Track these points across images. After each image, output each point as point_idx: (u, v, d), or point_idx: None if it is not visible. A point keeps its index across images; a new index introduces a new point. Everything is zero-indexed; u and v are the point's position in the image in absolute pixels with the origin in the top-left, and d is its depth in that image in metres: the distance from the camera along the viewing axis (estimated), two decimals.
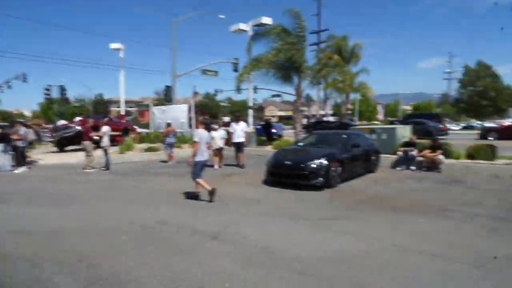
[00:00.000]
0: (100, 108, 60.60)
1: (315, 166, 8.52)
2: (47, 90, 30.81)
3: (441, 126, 24.85)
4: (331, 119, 39.08)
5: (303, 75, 19.28)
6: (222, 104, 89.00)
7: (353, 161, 9.71)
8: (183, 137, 18.80)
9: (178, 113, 19.92)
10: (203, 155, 7.50)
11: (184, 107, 20.63)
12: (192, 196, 8.05)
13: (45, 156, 15.68)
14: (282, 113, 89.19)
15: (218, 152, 12.56)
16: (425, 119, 27.38)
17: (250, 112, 23.92)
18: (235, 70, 30.33)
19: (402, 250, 4.67)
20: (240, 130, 12.53)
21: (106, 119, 15.84)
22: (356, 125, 30.26)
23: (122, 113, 24.71)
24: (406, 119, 30.22)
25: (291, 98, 20.30)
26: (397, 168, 11.53)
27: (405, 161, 11.50)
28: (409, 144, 11.86)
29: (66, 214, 6.88)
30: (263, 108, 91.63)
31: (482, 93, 42.97)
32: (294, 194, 8.20)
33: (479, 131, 26.38)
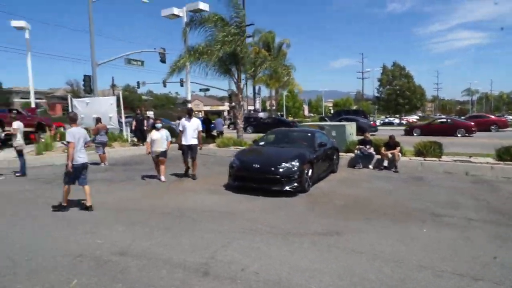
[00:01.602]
0: (0, 99, 52.20)
1: (287, 169, 7.62)
2: None
3: (371, 122, 26.03)
4: (261, 114, 38.88)
5: (244, 69, 18.39)
6: (143, 97, 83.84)
7: (321, 162, 9.05)
8: (111, 135, 16.51)
9: (105, 107, 17.39)
10: (80, 157, 6.51)
11: (112, 99, 18.14)
12: (151, 209, 6.60)
13: None
14: (208, 108, 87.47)
15: (163, 158, 9.30)
16: (352, 115, 28.53)
17: (189, 106, 22.23)
18: (162, 60, 28.19)
19: (438, 273, 3.99)
20: (193, 130, 9.49)
21: (14, 113, 12.93)
22: (294, 122, 30.30)
23: (33, 105, 21.04)
24: (335, 116, 31.25)
25: (216, 93, 19.28)
26: (356, 167, 11.24)
27: (362, 160, 11.27)
28: (364, 141, 11.66)
29: None
30: (188, 102, 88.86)
31: (399, 92, 46.79)
32: (267, 201, 7.20)
33: (404, 127, 28.26)
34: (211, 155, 14.57)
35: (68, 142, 6.37)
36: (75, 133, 6.44)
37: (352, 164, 11.48)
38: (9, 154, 11.46)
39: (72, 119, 6.70)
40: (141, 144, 16.36)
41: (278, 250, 4.67)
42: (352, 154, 11.89)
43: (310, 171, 8.24)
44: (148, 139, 9.36)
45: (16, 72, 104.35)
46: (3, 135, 11.43)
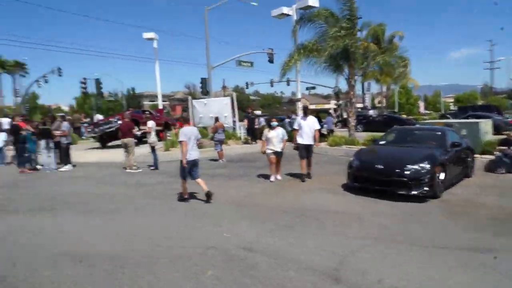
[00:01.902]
0: (133, 103, 60.60)
1: (416, 171, 6.84)
2: (83, 83, 30.26)
3: (509, 119, 22.22)
4: (371, 112, 36.70)
5: (356, 65, 17.46)
6: (251, 97, 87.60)
7: (453, 164, 7.93)
8: (227, 133, 17.45)
9: (221, 107, 18.55)
10: (191, 154, 6.91)
11: (227, 100, 19.23)
12: (271, 206, 6.63)
13: (86, 152, 14.76)
14: (313, 106, 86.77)
15: (277, 158, 9.06)
16: (481, 111, 24.77)
17: (299, 105, 22.23)
18: (270, 60, 28.77)
19: None
20: (309, 128, 9.00)
21: (147, 113, 14.69)
22: (410, 119, 27.76)
23: (160, 107, 23.68)
24: (461, 113, 27.61)
25: (321, 91, 18.53)
26: (497, 172, 9.58)
27: (506, 163, 9.54)
28: (508, 142, 9.88)
29: (118, 229, 5.63)
30: (297, 101, 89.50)
31: None
32: (394, 206, 6.55)
33: None
34: (323, 154, 14.22)
35: (180, 141, 6.86)
36: (187, 132, 6.88)
37: (491, 168, 9.82)
38: (144, 150, 13.00)
39: (185, 120, 7.39)
40: (253, 142, 16.90)
41: (417, 264, 4.11)
42: (488, 156, 10.22)
43: (443, 174, 7.26)
44: (264, 137, 9.45)
45: (146, 78, 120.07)
46: (139, 133, 12.99)
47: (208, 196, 6.98)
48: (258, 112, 46.48)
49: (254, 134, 17.39)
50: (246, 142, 17.36)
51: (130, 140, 11.13)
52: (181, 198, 7.28)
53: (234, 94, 20.00)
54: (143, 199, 7.60)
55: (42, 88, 45.91)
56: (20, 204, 7.37)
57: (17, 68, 57.84)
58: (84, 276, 3.98)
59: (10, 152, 12.89)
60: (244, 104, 77.77)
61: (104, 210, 6.75)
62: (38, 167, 11.58)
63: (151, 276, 3.94)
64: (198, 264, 4.21)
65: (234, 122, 19.24)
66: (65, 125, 11.62)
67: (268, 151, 9.05)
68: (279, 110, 65.06)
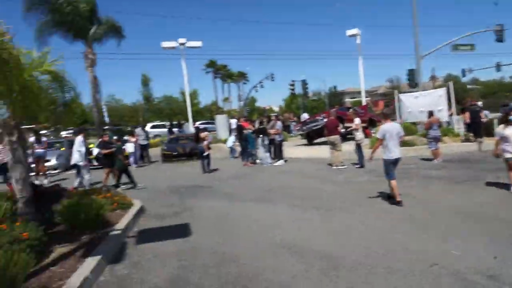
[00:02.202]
0: (335, 100, 62.12)
1: None
2: (291, 85, 33.09)
3: None
4: None
5: None
6: (468, 86, 74.57)
7: None
8: (442, 129, 15.18)
9: (433, 99, 16.33)
10: (392, 152, 6.53)
11: (441, 91, 16.77)
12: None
13: (295, 149, 15.89)
14: None
15: None
16: None
17: None
18: (499, 39, 23.46)
19: None
20: None
21: (351, 110, 14.47)
22: None
23: (364, 103, 23.09)
24: None
25: None
26: None
27: None
28: None
29: (330, 226, 5.55)
30: None
31: None
32: None
33: None
34: None
35: (377, 139, 6.61)
36: (388, 129, 6.52)
37: None
38: (349, 147, 12.84)
39: (385, 115, 6.87)
40: (477, 140, 14.07)
41: None
42: None
43: None
44: (497, 135, 7.50)
45: (347, 75, 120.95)
46: (343, 130, 12.91)
47: (397, 204, 6.50)
48: (479, 103, 38.74)
49: (477, 130, 14.44)
50: (467, 140, 14.64)
51: (336, 138, 11.17)
52: (393, 201, 6.65)
53: (451, 84, 17.25)
54: (352, 198, 7.39)
55: (258, 92, 52.69)
56: (245, 194, 8.46)
57: (240, 77, 69.59)
58: (300, 271, 4.03)
59: (237, 148, 15.27)
60: (459, 95, 66.94)
61: (316, 205, 6.89)
62: (258, 161, 13.21)
63: (368, 286, 3.60)
64: (423, 283, 3.58)
65: (450, 116, 16.61)
66: (279, 124, 12.81)
67: (508, 155, 7.10)
68: (508, 99, 52.63)
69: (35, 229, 4.51)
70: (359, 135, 10.91)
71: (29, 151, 11.21)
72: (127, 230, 5.89)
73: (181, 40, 23.95)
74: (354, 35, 26.02)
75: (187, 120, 29.97)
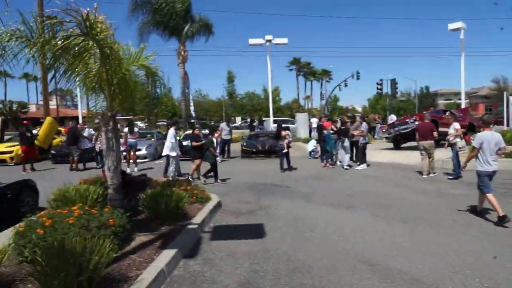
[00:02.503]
0: (426, 102, 57.15)
1: None
2: (379, 85, 31.14)
3: None
4: None
5: None
6: None
7: None
8: None
9: None
10: (489, 164, 5.86)
11: None
12: None
13: (379, 153, 14.84)
14: None
15: None
16: None
17: None
18: None
19: None
20: None
21: (447, 114, 12.93)
22: None
23: (463, 106, 20.66)
24: None
25: None
26: None
27: None
28: None
29: (417, 242, 4.93)
30: None
31: None
32: None
33: None
34: None
35: (473, 147, 6.11)
36: (484, 138, 5.91)
37: None
38: (441, 154, 11.51)
39: (485, 122, 6.20)
40: None
41: None
42: None
43: None
44: None
45: (442, 74, 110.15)
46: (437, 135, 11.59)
47: (501, 220, 5.64)
48: None
49: None
50: None
51: (430, 143, 10.07)
52: (498, 222, 5.66)
53: None
54: (446, 212, 6.53)
55: (341, 91, 51.11)
56: (323, 196, 8.06)
57: (324, 75, 68.18)
58: None
59: (317, 148, 14.79)
60: None
61: (402, 217, 6.23)
62: (338, 163, 12.60)
63: None
64: None
65: None
66: (364, 125, 12.01)
67: None
68: None
69: (120, 216, 4.75)
70: (461, 142, 9.63)
71: (122, 141, 12.20)
72: (203, 224, 5.96)
73: (268, 37, 24.13)
74: (457, 29, 23.31)
75: (268, 117, 30.24)
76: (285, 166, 12.04)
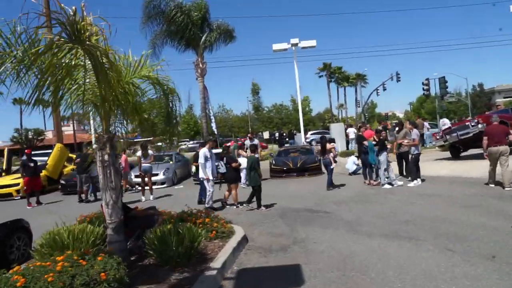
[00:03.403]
0: (480, 101, 54.35)
1: None
2: (425, 85, 29.47)
3: None
4: None
5: None
6: None
7: None
8: None
9: None
10: None
11: None
12: None
13: (434, 164, 13.58)
14: None
15: None
16: None
17: None
18: None
19: None
20: None
21: None
22: None
23: None
24: None
25: None
26: None
27: None
28: None
29: None
30: None
31: None
32: None
33: None
34: None
35: None
36: None
37: None
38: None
39: None
40: None
41: None
42: None
43: None
44: None
45: (498, 69, 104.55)
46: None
47: None
48: None
49: None
50: None
51: (506, 148, 8.95)
52: None
53: None
54: None
55: (379, 97, 49.51)
56: (373, 224, 7.07)
57: (358, 80, 66.72)
58: None
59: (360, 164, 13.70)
60: None
61: (487, 254, 5.06)
62: (381, 181, 11.47)
63: None
64: None
65: None
66: (415, 132, 10.88)
67: None
68: None
69: (117, 266, 4.04)
70: None
71: (122, 163, 11.74)
72: (224, 268, 5.15)
73: (293, 41, 23.46)
74: None
75: (298, 130, 29.39)
76: (329, 185, 11.44)
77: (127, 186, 14.21)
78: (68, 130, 48.50)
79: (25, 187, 13.35)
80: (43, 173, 16.33)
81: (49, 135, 58.84)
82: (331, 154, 11.75)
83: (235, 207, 9.69)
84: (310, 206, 9.25)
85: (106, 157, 5.12)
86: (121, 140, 5.98)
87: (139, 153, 12.72)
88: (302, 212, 8.67)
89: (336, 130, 23.58)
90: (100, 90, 4.86)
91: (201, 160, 9.61)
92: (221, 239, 6.26)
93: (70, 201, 13.47)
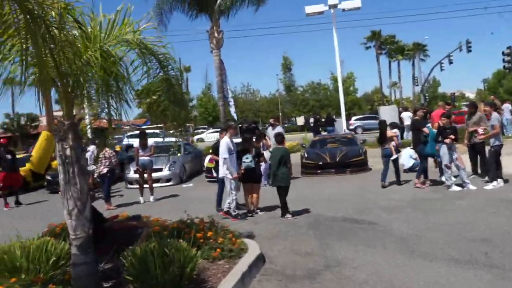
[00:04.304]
0: None
1: None
2: (507, 55, 27.33)
3: None
4: None
5: None
6: None
7: None
8: None
9: None
10: None
11: None
12: None
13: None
14: None
15: None
16: None
17: None
18: None
19: None
20: None
21: None
22: None
23: None
24: None
25: None
26: None
27: None
28: None
29: None
30: None
31: None
32: None
33: None
34: None
35: None
36: None
37: None
38: None
39: None
40: None
41: None
42: None
43: None
44: None
45: None
46: None
47: None
48: None
49: None
50: None
51: None
52: None
53: None
54: None
55: (443, 73, 47.55)
56: (435, 243, 6.27)
57: (416, 51, 64.33)
58: None
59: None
60: None
61: None
62: (443, 179, 10.53)
63: None
64: None
65: None
66: (495, 117, 9.81)
67: None
68: None
69: None
70: None
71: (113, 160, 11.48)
72: None
73: (332, 1, 22.45)
74: None
75: (338, 114, 28.50)
76: (384, 179, 11.31)
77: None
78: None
79: (1, 184, 13.24)
80: (27, 166, 16.32)
81: (45, 121, 60.48)
82: (393, 143, 11.32)
83: (255, 213, 9.23)
84: (351, 213, 8.63)
85: (68, 151, 4.59)
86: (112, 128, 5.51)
87: (136, 143, 12.31)
88: (340, 222, 8.05)
89: (386, 114, 22.74)
90: (40, 56, 4.16)
91: (224, 153, 8.89)
92: (228, 260, 5.72)
93: (57, 201, 13.25)
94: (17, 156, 14.64)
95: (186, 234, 5.93)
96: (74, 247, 4.59)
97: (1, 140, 13.97)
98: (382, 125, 11.93)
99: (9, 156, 13.09)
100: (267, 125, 25.66)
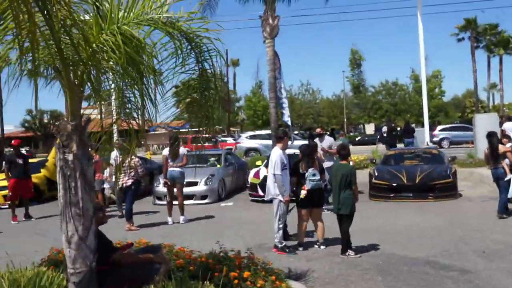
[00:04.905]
0: None
1: None
2: None
3: None
4: None
5: None
6: None
7: None
8: None
9: None
10: None
11: None
12: None
13: None
14: None
15: None
16: None
17: None
18: None
19: None
20: None
21: None
22: None
23: None
24: None
25: None
26: None
27: None
28: None
29: None
30: None
31: None
32: None
33: None
34: None
35: None
36: None
37: None
38: None
39: None
40: None
41: None
42: None
43: None
44: None
45: None
46: None
47: None
48: None
49: None
50: None
51: None
52: None
53: None
54: None
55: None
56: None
57: None
58: None
59: None
60: None
61: None
62: None
63: None
64: None
65: None
66: None
67: None
68: None
69: None
70: None
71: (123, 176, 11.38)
72: None
73: None
74: None
75: (419, 123, 27.60)
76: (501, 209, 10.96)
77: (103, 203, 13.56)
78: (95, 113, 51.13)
79: (10, 193, 13.56)
80: (42, 172, 16.72)
81: None
82: (507, 161, 10.92)
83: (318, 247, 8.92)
84: (435, 255, 8.18)
85: (70, 158, 4.44)
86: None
87: (165, 151, 12.27)
88: (420, 266, 7.61)
89: (483, 124, 21.58)
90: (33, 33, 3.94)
91: (276, 169, 8.63)
92: None
93: None
94: (31, 160, 15.02)
95: (216, 271, 5.69)
96: (72, 284, 4.51)
97: (13, 141, 14.39)
98: (493, 138, 11.38)
99: (20, 161, 13.38)
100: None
